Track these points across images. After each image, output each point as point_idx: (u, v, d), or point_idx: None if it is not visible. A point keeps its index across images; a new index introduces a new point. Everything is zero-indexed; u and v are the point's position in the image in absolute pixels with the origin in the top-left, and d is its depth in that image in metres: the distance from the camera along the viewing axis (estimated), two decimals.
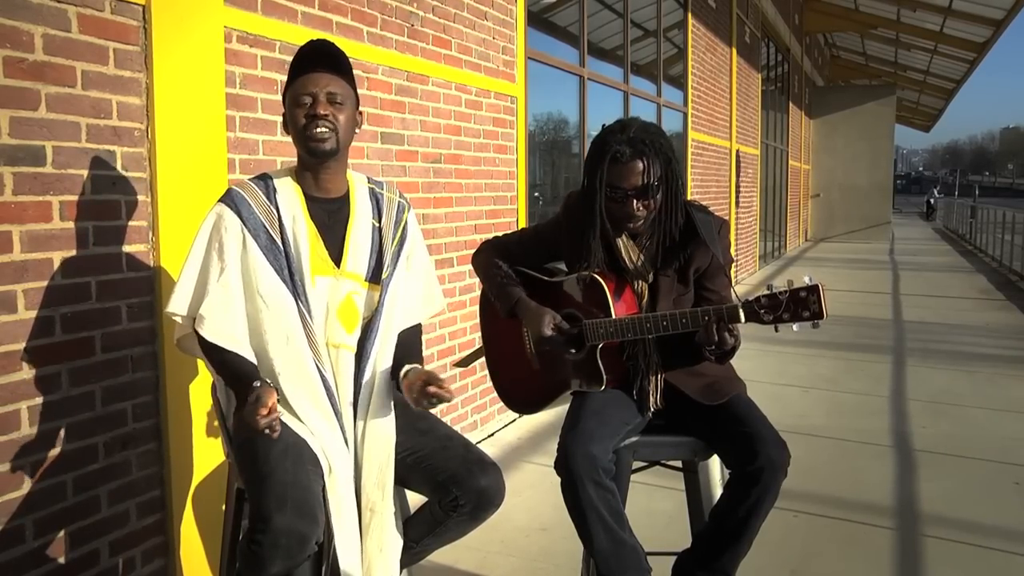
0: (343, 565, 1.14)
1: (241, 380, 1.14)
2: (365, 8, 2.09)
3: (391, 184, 1.34)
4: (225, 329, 1.17)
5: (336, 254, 1.22)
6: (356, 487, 1.19)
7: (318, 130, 1.17)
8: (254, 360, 1.18)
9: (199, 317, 1.16)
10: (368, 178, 1.32)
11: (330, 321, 1.20)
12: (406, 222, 1.31)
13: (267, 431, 1.06)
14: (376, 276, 1.24)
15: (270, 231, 1.19)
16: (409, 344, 1.30)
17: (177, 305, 1.18)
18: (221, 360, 1.18)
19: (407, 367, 1.24)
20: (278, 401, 1.15)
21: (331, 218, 1.24)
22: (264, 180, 1.24)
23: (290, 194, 1.22)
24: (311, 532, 1.07)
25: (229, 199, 1.20)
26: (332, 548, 1.17)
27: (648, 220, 1.32)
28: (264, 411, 1.06)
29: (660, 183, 1.29)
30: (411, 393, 1.19)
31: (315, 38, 1.25)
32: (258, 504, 1.07)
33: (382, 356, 1.24)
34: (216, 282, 1.17)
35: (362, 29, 2.09)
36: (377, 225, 1.27)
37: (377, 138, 2.17)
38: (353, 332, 1.22)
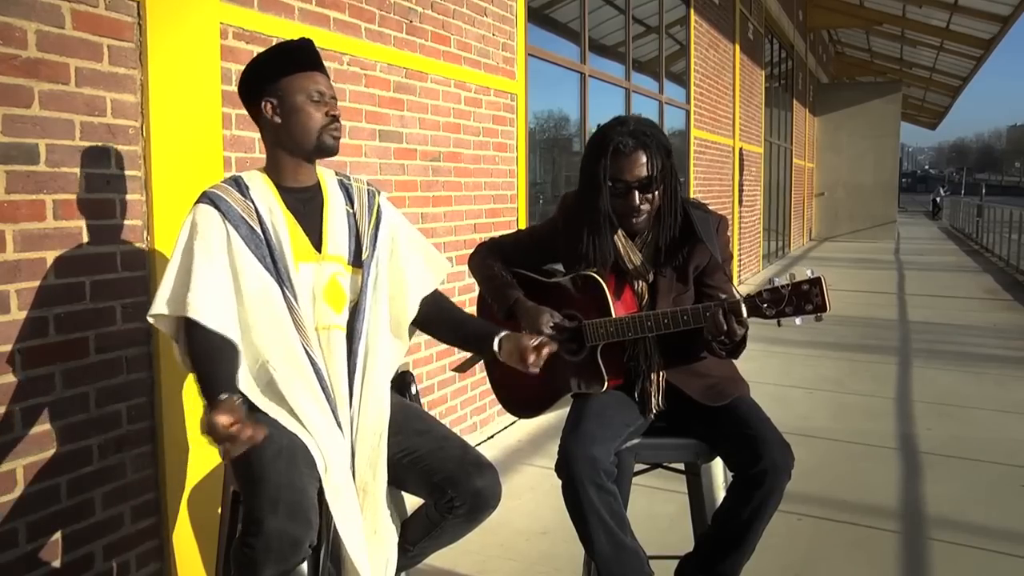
0: (351, 555, 1.12)
1: (213, 383, 1.09)
2: (363, 4, 2.07)
3: (357, 176, 1.35)
4: (216, 310, 1.13)
5: (316, 240, 1.23)
6: (353, 474, 1.18)
7: (336, 129, 1.22)
8: (239, 345, 1.14)
9: (187, 304, 1.12)
10: (335, 172, 1.33)
11: (317, 304, 1.20)
12: (379, 205, 1.32)
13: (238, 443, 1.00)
14: (357, 259, 1.25)
15: (250, 223, 1.19)
16: (446, 307, 1.34)
17: (158, 305, 1.14)
18: (203, 348, 1.11)
19: (499, 336, 1.25)
20: (274, 394, 1.15)
21: (305, 206, 1.24)
22: (234, 179, 1.24)
23: (262, 187, 1.23)
24: (304, 535, 1.05)
25: (205, 198, 1.19)
26: (330, 547, 1.16)
27: (650, 216, 1.30)
28: (228, 423, 1.00)
29: (660, 177, 1.28)
30: (520, 359, 1.22)
31: (303, 36, 1.25)
32: (251, 507, 1.06)
33: (373, 336, 1.24)
34: (203, 268, 1.14)
35: (360, 25, 2.07)
36: (351, 211, 1.28)
37: (375, 136, 2.15)
38: (342, 312, 1.22)
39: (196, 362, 1.13)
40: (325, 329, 1.20)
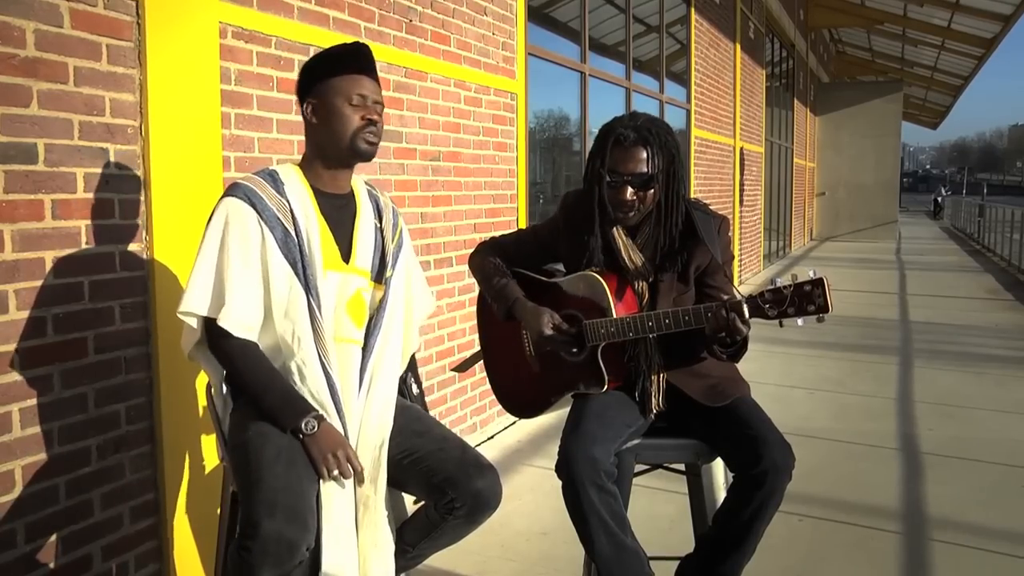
0: (329, 565, 1.11)
1: (287, 400, 1.13)
2: (362, 3, 2.07)
3: (382, 190, 1.35)
4: (248, 320, 1.13)
5: (345, 249, 1.22)
6: (353, 485, 1.17)
7: (372, 133, 1.20)
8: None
9: (224, 313, 1.11)
10: (365, 181, 1.33)
11: (339, 316, 1.19)
12: (401, 227, 1.32)
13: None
14: (380, 275, 1.24)
15: (284, 223, 1.17)
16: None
17: (195, 303, 1.12)
18: (250, 368, 1.13)
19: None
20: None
21: (339, 213, 1.23)
22: (269, 173, 1.22)
23: (298, 187, 1.21)
24: (301, 539, 1.05)
25: (240, 192, 1.16)
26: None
27: (641, 214, 1.30)
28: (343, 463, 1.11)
29: (660, 177, 1.27)
30: None
31: (358, 42, 1.25)
32: (248, 509, 1.06)
33: (382, 351, 1.23)
34: (240, 275, 1.13)
35: (359, 24, 2.06)
36: (379, 225, 1.27)
37: None
38: (362, 327, 1.22)
39: (261, 384, 1.14)
40: (343, 342, 1.19)
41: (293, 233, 1.16)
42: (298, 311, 1.15)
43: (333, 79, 1.20)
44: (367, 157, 1.22)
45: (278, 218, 1.16)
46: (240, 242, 1.14)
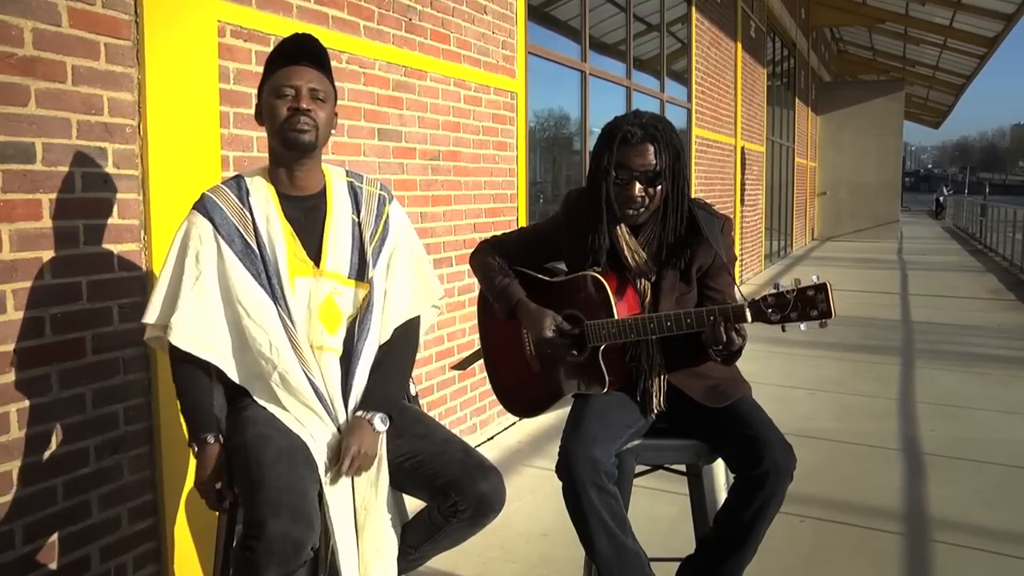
0: (343, 568, 1.11)
1: (197, 416, 1.15)
2: (362, 2, 2.06)
3: (370, 178, 1.30)
4: (199, 336, 1.14)
5: (315, 253, 1.19)
6: (352, 488, 1.16)
7: (300, 123, 1.15)
8: (230, 371, 1.17)
9: (169, 326, 1.14)
10: (347, 171, 1.28)
11: (312, 323, 1.17)
12: (388, 214, 1.27)
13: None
14: (361, 273, 1.21)
15: (244, 236, 1.16)
16: (393, 348, 1.22)
17: (149, 315, 1.17)
18: (184, 379, 1.17)
19: (353, 418, 1.16)
20: (276, 401, 1.15)
21: (307, 216, 1.20)
22: (237, 181, 1.21)
23: (263, 194, 1.19)
24: (306, 538, 1.05)
25: (201, 206, 1.18)
26: (329, 553, 1.15)
27: (649, 211, 1.29)
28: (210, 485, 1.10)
29: (667, 173, 1.27)
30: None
31: (297, 32, 1.22)
32: (252, 510, 1.05)
33: (374, 352, 1.21)
34: (190, 289, 1.15)
35: (359, 23, 2.06)
36: (356, 220, 1.23)
37: (374, 135, 2.14)
38: (336, 333, 1.18)
39: (179, 391, 1.17)
40: (318, 349, 1.17)
41: (254, 244, 1.15)
42: (269, 321, 1.15)
43: (271, 75, 1.17)
44: (300, 147, 1.15)
45: (237, 230, 1.16)
46: (196, 259, 1.15)
